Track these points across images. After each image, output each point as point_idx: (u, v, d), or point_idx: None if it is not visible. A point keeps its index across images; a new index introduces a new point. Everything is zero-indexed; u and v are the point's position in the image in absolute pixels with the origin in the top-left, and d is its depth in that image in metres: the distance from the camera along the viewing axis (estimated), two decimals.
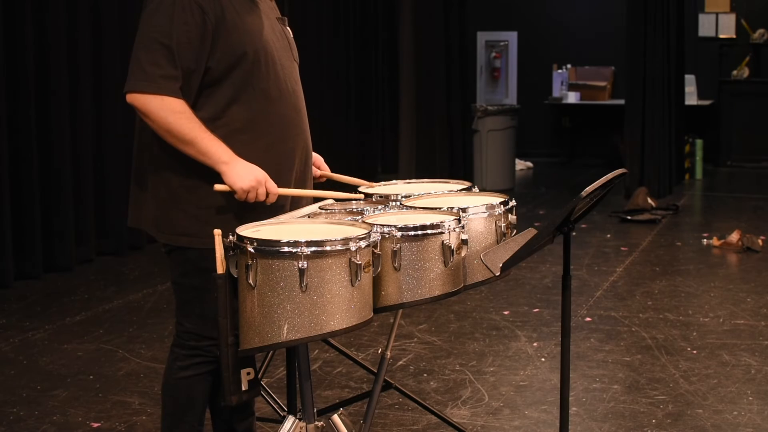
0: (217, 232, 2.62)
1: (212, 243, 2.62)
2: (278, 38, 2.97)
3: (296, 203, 3.01)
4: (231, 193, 2.82)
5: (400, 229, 2.73)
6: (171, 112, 2.74)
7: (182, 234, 2.86)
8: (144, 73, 2.74)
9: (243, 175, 2.77)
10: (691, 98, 11.21)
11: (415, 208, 3.01)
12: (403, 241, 2.73)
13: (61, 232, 6.58)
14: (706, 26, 11.81)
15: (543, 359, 4.82)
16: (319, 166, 3.26)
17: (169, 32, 2.74)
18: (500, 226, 2.99)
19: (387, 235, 2.71)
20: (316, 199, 3.08)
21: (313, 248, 2.51)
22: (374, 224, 2.71)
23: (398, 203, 3.08)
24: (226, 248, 2.61)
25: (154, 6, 2.78)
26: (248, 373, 2.71)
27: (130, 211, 3.00)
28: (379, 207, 2.99)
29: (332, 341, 3.65)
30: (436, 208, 2.98)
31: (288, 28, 3.09)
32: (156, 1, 2.78)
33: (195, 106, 2.80)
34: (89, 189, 6.83)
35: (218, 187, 2.78)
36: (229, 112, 2.83)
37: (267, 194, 2.81)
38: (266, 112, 2.88)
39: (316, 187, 3.18)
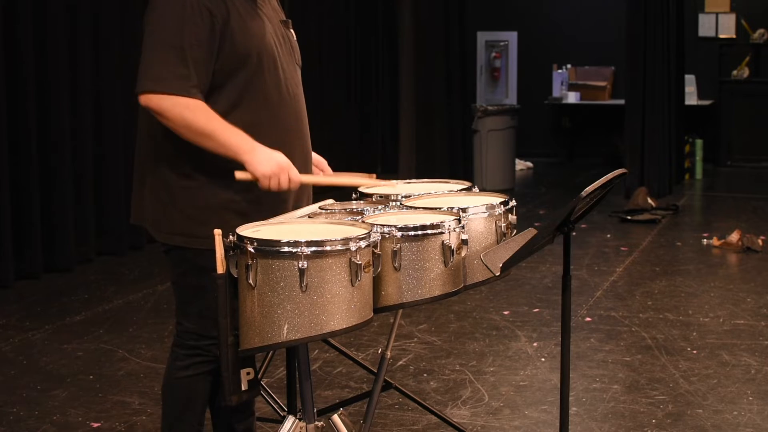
0: (218, 232, 2.61)
1: (209, 243, 2.62)
2: (281, 42, 2.96)
3: (298, 204, 3.01)
4: (231, 194, 2.82)
5: (400, 229, 2.73)
6: (185, 108, 2.72)
7: (179, 234, 2.86)
8: (155, 74, 2.73)
9: (265, 161, 2.75)
10: (691, 98, 11.21)
11: (415, 208, 3.01)
12: (403, 241, 2.72)
13: (61, 232, 6.58)
14: (706, 26, 11.81)
15: (543, 359, 4.82)
16: (323, 168, 3.25)
17: (179, 33, 2.72)
18: (500, 226, 2.99)
19: (387, 235, 2.71)
20: (318, 198, 3.08)
21: (313, 248, 2.51)
22: (374, 224, 2.70)
23: (398, 203, 3.08)
24: (226, 248, 2.61)
25: (161, 8, 2.76)
26: (248, 373, 2.71)
27: (132, 209, 3.00)
28: (379, 207, 2.99)
29: (332, 341, 3.65)
30: (436, 208, 2.98)
31: (292, 31, 3.07)
32: (162, 3, 2.77)
33: None
34: (89, 189, 6.82)
35: (239, 174, 2.76)
36: (230, 116, 2.81)
37: (290, 181, 2.80)
38: (267, 116, 2.87)
39: (316, 188, 3.17)
